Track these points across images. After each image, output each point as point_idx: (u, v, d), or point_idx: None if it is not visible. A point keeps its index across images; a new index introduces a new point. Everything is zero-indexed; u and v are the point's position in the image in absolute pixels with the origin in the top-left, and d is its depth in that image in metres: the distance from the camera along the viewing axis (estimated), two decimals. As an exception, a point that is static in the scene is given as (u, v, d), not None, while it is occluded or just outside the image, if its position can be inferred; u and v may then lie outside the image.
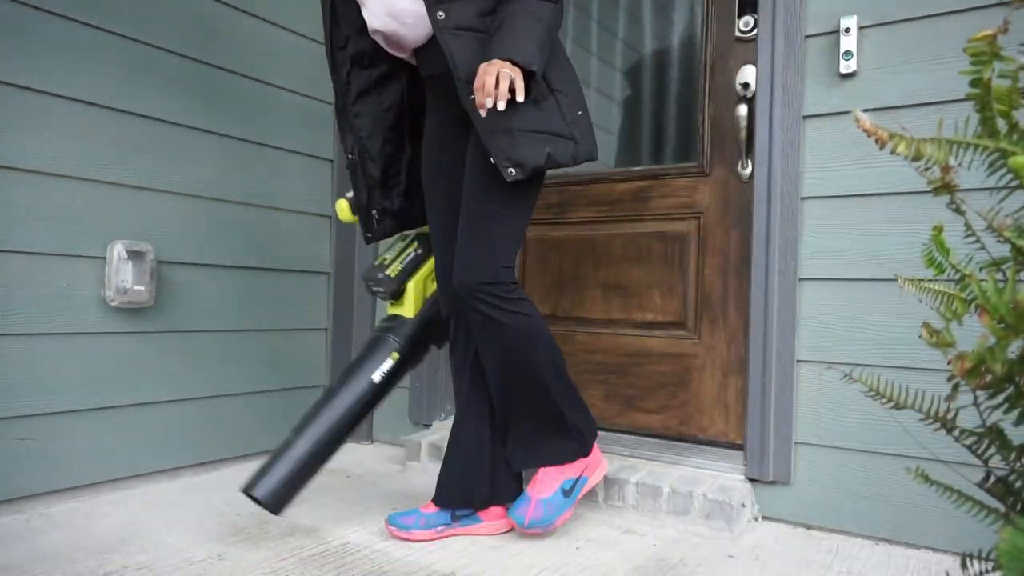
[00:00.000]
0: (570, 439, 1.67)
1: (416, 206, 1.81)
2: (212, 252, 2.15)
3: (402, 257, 1.80)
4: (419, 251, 1.81)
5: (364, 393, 1.66)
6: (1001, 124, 0.66)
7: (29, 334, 1.74)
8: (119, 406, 1.92)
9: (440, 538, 1.65)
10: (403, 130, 1.79)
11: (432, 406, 2.42)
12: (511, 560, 1.54)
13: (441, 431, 2.29)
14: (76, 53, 1.81)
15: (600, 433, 2.20)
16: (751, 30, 1.99)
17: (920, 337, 0.71)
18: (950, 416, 0.76)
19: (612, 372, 2.23)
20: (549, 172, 1.61)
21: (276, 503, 1.55)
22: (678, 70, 2.24)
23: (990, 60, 0.63)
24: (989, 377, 0.63)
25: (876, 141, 0.67)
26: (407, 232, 1.86)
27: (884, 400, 0.80)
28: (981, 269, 0.69)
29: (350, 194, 1.81)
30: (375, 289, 1.79)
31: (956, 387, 0.67)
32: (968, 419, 0.75)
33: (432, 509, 1.68)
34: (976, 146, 0.66)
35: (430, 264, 1.80)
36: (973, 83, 0.65)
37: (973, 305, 0.66)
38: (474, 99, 1.43)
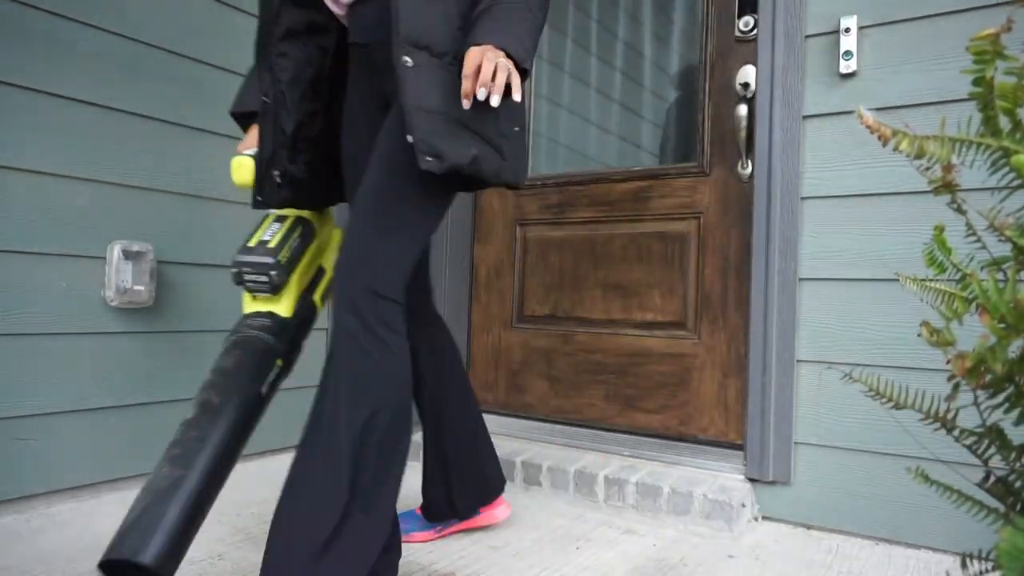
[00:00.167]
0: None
1: (317, 186, 1.56)
2: (212, 252, 2.15)
3: (290, 243, 1.48)
4: (301, 238, 1.51)
5: (252, 407, 1.35)
6: (1004, 123, 0.66)
7: (29, 334, 1.74)
8: (119, 406, 1.92)
9: (440, 537, 1.66)
10: (323, 95, 1.54)
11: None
12: (511, 560, 1.54)
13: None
14: (76, 53, 1.81)
15: (600, 433, 2.21)
16: (751, 30, 1.99)
17: (920, 336, 0.71)
18: (950, 416, 0.76)
19: (612, 372, 2.23)
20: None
21: (169, 562, 1.12)
22: (678, 70, 2.24)
23: (993, 59, 0.63)
24: (989, 377, 0.63)
25: (879, 138, 0.67)
26: (281, 213, 1.55)
27: (884, 400, 0.80)
28: (982, 268, 0.69)
29: (251, 151, 1.54)
30: (254, 278, 1.44)
31: (956, 387, 0.67)
32: (968, 419, 0.75)
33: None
34: (979, 144, 0.66)
35: (309, 255, 1.53)
36: (976, 81, 0.65)
37: (974, 304, 0.66)
38: (455, 82, 1.23)
